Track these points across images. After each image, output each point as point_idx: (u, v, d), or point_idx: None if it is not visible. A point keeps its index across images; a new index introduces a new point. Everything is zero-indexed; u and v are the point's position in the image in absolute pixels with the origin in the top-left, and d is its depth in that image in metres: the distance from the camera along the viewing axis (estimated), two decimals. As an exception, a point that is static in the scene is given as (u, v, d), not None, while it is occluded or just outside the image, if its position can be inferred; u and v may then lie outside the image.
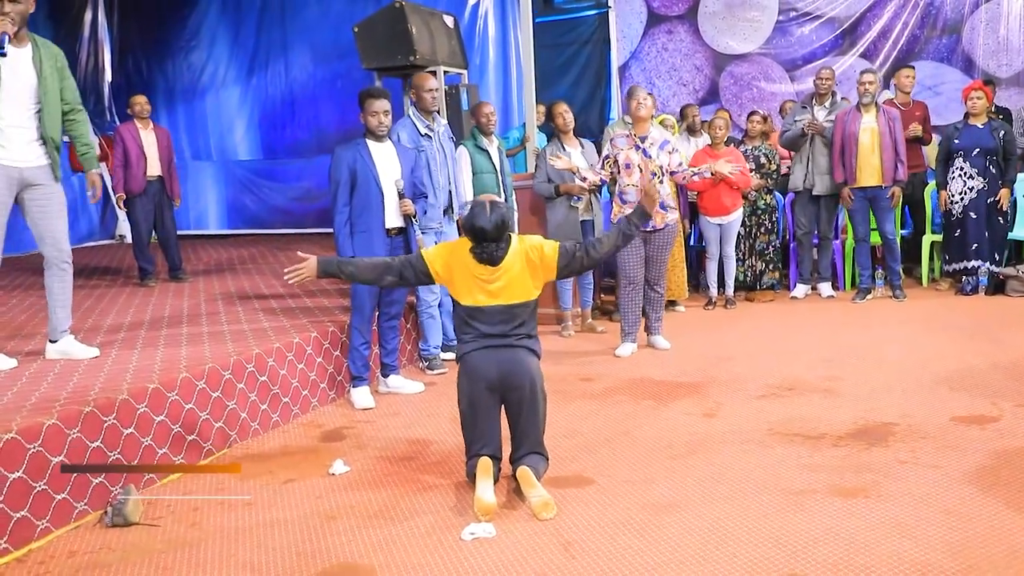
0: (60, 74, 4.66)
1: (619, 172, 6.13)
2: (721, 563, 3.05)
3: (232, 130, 12.65)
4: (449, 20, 8.29)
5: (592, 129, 10.41)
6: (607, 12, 11.03)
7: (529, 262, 3.80)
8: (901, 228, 8.38)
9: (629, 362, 6.04)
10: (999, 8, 9.34)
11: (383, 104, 5.11)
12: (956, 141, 7.63)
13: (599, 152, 7.00)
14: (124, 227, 12.39)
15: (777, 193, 8.19)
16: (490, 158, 6.43)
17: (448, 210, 5.91)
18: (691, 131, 8.90)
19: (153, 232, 8.05)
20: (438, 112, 5.98)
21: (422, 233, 5.66)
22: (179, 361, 4.65)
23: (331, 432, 4.80)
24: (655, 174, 6.05)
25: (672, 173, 6.19)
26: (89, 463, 3.69)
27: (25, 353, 4.98)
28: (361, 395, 5.26)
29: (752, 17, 10.41)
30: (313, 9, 11.80)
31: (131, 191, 7.77)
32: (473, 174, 6.34)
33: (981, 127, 7.58)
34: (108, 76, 12.87)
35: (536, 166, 6.98)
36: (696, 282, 8.44)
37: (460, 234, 4.69)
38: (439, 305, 5.92)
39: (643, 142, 6.06)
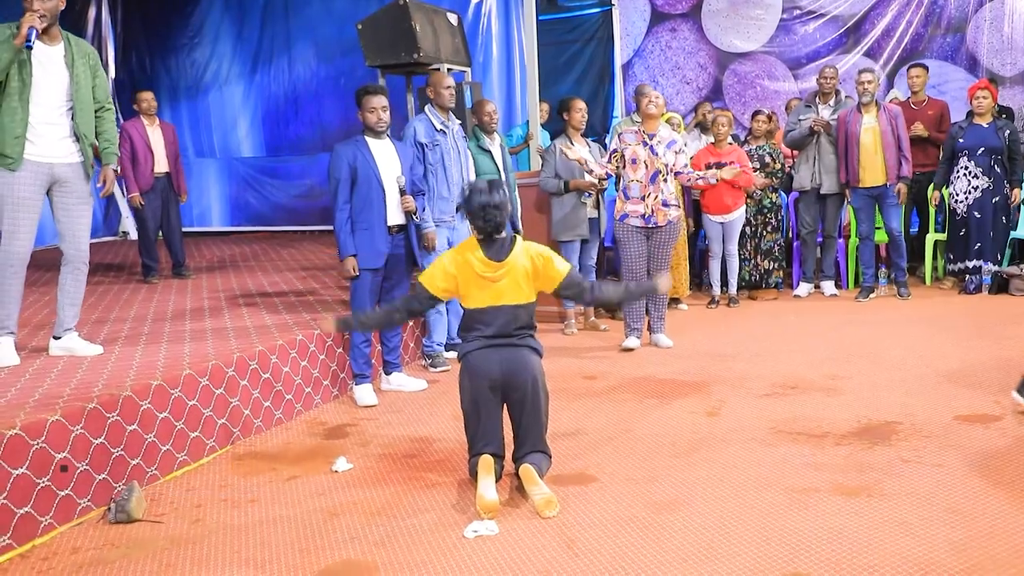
0: (92, 72, 4.69)
1: (624, 167, 6.14)
2: (724, 561, 3.05)
3: (235, 127, 12.67)
4: (453, 18, 8.28)
5: (595, 127, 10.41)
6: (611, 10, 11.03)
7: (533, 267, 3.82)
8: (910, 226, 8.38)
9: (632, 360, 6.03)
10: (1003, 7, 9.32)
11: (381, 100, 5.09)
12: (961, 140, 7.62)
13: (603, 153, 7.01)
14: (127, 223, 12.43)
15: (781, 192, 8.18)
16: (492, 158, 6.43)
17: (461, 207, 5.90)
18: (703, 129, 8.88)
19: (159, 227, 8.05)
20: (453, 111, 5.99)
21: (436, 227, 5.69)
22: (182, 358, 4.65)
23: (334, 429, 4.81)
24: (659, 171, 6.06)
25: (677, 173, 6.20)
26: (91, 460, 3.70)
27: (29, 349, 4.99)
28: (364, 392, 5.26)
29: (756, 15, 10.40)
30: (316, 6, 11.81)
31: (139, 188, 7.77)
32: (476, 174, 6.35)
33: (986, 126, 7.57)
34: (112, 73, 12.89)
35: (543, 162, 6.97)
36: (699, 280, 8.43)
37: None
38: (447, 303, 5.92)
39: (651, 139, 6.08)
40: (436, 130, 5.81)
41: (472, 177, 6.29)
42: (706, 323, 7.15)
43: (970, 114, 7.75)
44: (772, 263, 8.06)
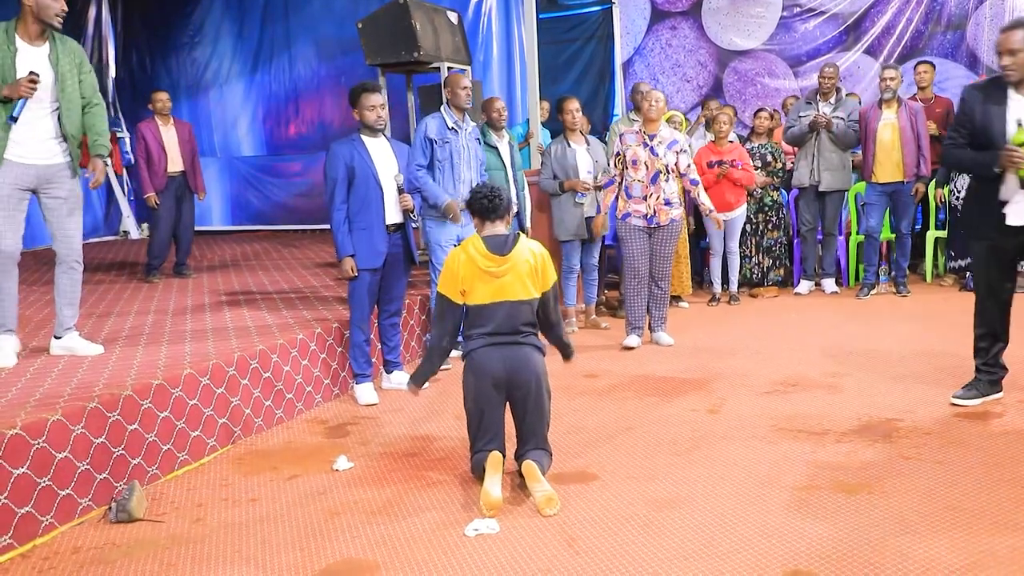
0: (78, 69, 4.66)
1: (627, 168, 6.14)
2: (724, 559, 3.05)
3: (236, 126, 12.67)
4: (453, 16, 8.28)
5: (595, 126, 10.40)
6: (611, 8, 11.02)
7: (533, 266, 3.84)
8: (914, 224, 8.37)
9: (633, 358, 6.03)
10: (1003, 3, 9.31)
11: (379, 98, 5.04)
12: (961, 138, 7.61)
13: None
14: (128, 223, 12.42)
15: (782, 189, 8.18)
16: (499, 154, 6.44)
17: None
18: (710, 126, 8.85)
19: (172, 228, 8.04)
20: (468, 113, 5.99)
21: (442, 223, 5.72)
22: (183, 357, 4.65)
23: (335, 428, 4.81)
24: (660, 172, 6.06)
25: (682, 175, 6.20)
26: (92, 460, 3.70)
27: (30, 349, 4.99)
28: (365, 391, 5.26)
29: (756, 13, 10.39)
30: (317, 5, 11.80)
31: (153, 187, 7.77)
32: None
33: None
34: (112, 72, 12.89)
35: (542, 162, 6.97)
36: (700, 278, 8.43)
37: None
38: None
39: (652, 140, 6.08)
40: (448, 128, 5.82)
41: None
42: (707, 321, 7.15)
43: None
44: (773, 261, 8.06)
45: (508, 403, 3.85)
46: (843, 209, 8.09)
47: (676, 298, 7.61)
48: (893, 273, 7.76)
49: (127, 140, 12.63)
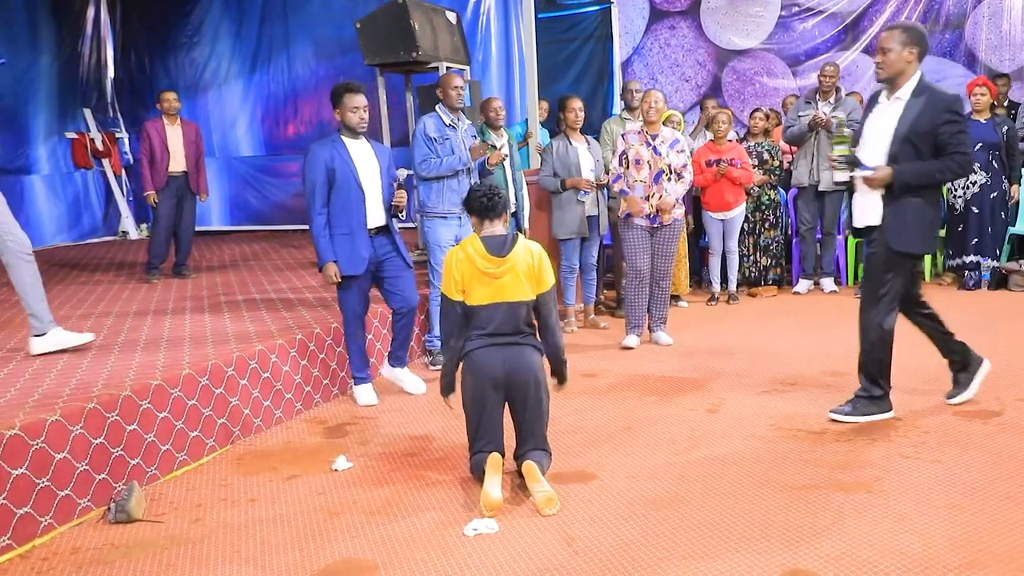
0: None
1: (629, 168, 6.14)
2: (724, 557, 3.05)
3: (234, 126, 12.67)
4: (451, 16, 8.29)
5: (594, 125, 10.39)
6: (609, 8, 11.03)
7: (531, 267, 3.83)
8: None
9: (632, 358, 6.03)
10: (1001, 3, 9.32)
11: (363, 99, 4.90)
12: (959, 136, 7.62)
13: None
14: (127, 223, 12.43)
15: (780, 188, 8.18)
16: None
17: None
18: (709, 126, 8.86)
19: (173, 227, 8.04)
20: (463, 111, 6.00)
21: (444, 219, 5.76)
22: (182, 357, 4.65)
23: (334, 428, 4.81)
24: (662, 171, 6.06)
25: (680, 176, 6.20)
26: (91, 460, 3.70)
27: (26, 352, 4.98)
28: (363, 392, 5.24)
29: (754, 12, 10.40)
30: (315, 5, 11.80)
31: (154, 186, 7.77)
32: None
33: (984, 122, 7.57)
34: (111, 72, 12.89)
35: (542, 160, 6.98)
36: (699, 278, 8.43)
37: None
38: None
39: (654, 140, 6.09)
40: (445, 125, 5.84)
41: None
42: (706, 320, 7.15)
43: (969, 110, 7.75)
44: (771, 260, 8.06)
45: (507, 403, 3.85)
46: (842, 209, 8.09)
47: (675, 297, 7.61)
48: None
49: (126, 140, 12.64)
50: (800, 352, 5.90)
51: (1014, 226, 7.86)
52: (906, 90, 4.16)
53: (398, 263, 5.14)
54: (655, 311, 6.38)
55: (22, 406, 3.72)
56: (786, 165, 8.24)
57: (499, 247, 3.79)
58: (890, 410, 4.47)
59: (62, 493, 3.56)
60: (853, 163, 4.28)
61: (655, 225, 6.12)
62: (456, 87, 5.86)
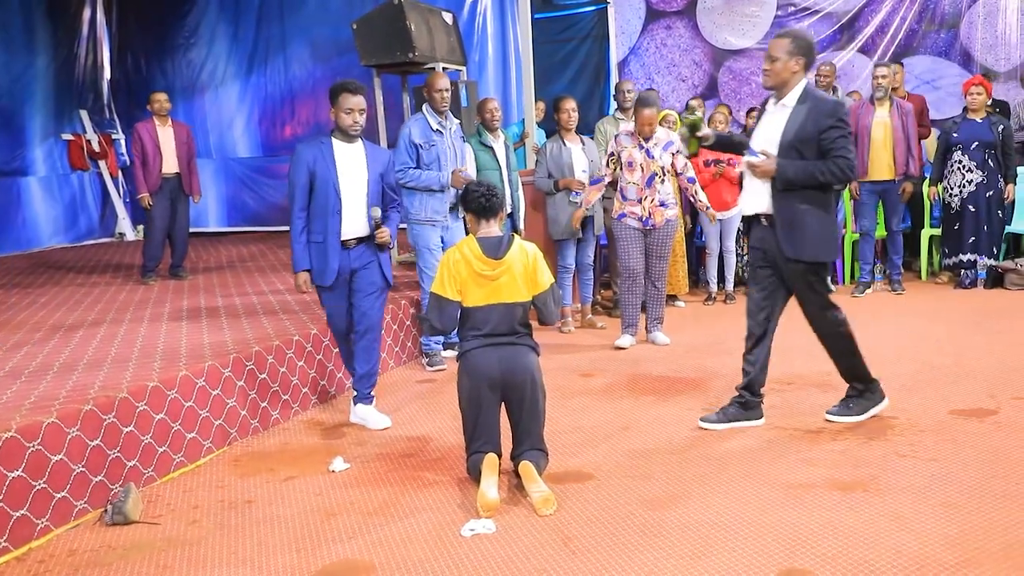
0: None
1: (622, 169, 6.14)
2: (720, 557, 3.06)
3: (231, 127, 12.65)
4: (448, 17, 8.28)
5: (590, 125, 10.39)
6: (606, 8, 11.03)
7: (526, 267, 3.83)
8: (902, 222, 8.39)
9: (629, 357, 6.04)
10: (996, 3, 9.33)
11: (361, 101, 4.59)
12: (955, 135, 7.64)
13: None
14: (124, 225, 12.41)
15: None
16: (494, 154, 6.44)
17: (456, 207, 5.88)
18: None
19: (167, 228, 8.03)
20: (450, 111, 5.98)
21: (432, 226, 5.73)
22: (179, 359, 4.65)
23: (331, 429, 4.80)
24: (655, 174, 6.06)
25: (678, 174, 6.21)
26: (88, 462, 3.70)
27: (23, 354, 4.99)
28: (365, 414, 4.86)
29: (750, 12, 10.41)
30: (312, 6, 11.80)
31: (147, 188, 7.75)
32: (477, 171, 6.36)
33: (980, 121, 7.58)
34: (107, 74, 12.87)
35: (536, 162, 6.98)
36: (696, 277, 8.44)
37: (466, 232, 4.56)
38: None
39: (647, 142, 6.07)
40: (432, 130, 5.80)
41: (472, 173, 6.30)
42: (703, 320, 7.16)
43: (965, 109, 7.76)
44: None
45: (504, 404, 3.85)
46: (838, 208, 8.11)
47: (672, 297, 7.62)
48: (888, 271, 7.78)
49: (122, 142, 12.62)
50: (796, 351, 5.89)
51: (1010, 225, 7.87)
52: (791, 97, 4.21)
53: (372, 277, 4.74)
54: (651, 311, 6.38)
55: (18, 408, 3.72)
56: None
57: (495, 249, 3.80)
58: (884, 398, 4.48)
59: (59, 495, 3.56)
60: (694, 128, 4.40)
61: (648, 227, 6.13)
62: (440, 90, 5.80)
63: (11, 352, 5.01)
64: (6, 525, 3.33)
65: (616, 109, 7.59)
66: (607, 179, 6.24)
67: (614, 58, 11.04)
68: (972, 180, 7.56)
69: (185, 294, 7.12)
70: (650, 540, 3.22)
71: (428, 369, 5.93)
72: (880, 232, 7.88)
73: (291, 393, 5.04)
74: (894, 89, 8.26)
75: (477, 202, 3.85)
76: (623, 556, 3.11)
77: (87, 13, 12.49)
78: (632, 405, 4.92)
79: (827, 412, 4.48)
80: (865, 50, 9.88)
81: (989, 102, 7.99)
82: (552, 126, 7.14)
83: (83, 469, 3.67)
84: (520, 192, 6.70)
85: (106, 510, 3.63)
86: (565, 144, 6.69)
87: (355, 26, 7.69)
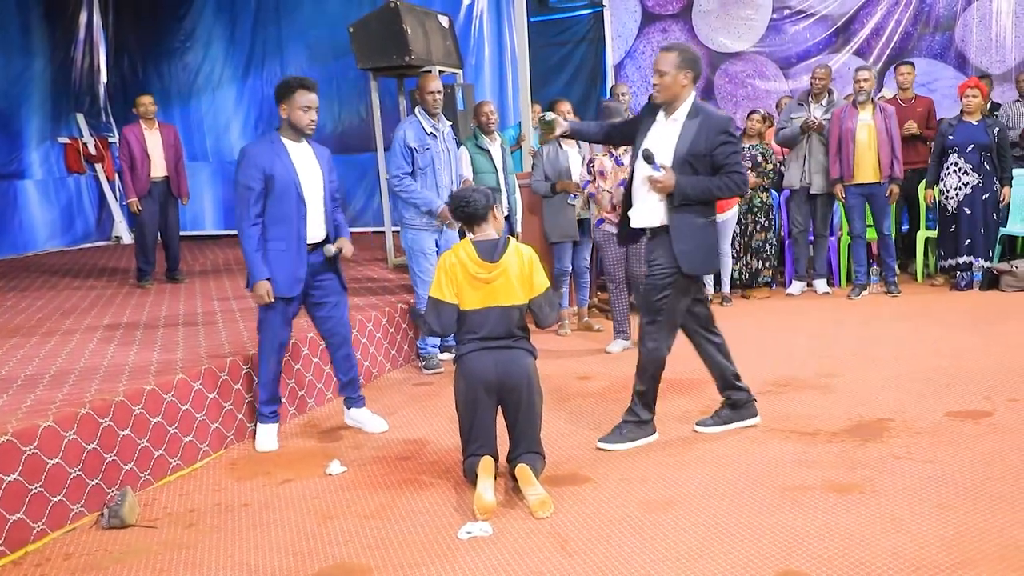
0: None
1: (595, 178, 6.18)
2: (717, 559, 3.06)
3: (228, 131, 12.65)
4: (444, 20, 8.29)
5: (587, 128, 10.42)
6: (602, 11, 11.05)
7: (523, 271, 3.84)
8: (900, 224, 8.41)
9: (625, 360, 6.03)
10: (991, 4, 9.36)
11: (316, 99, 4.38)
12: (950, 137, 7.64)
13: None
14: (120, 228, 12.40)
15: (773, 191, 8.21)
16: (491, 157, 6.45)
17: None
18: None
19: (158, 232, 8.03)
20: (443, 114, 5.97)
21: (424, 230, 5.72)
22: (175, 362, 4.65)
23: (327, 432, 4.80)
24: (625, 180, 6.05)
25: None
26: (84, 466, 3.70)
27: (20, 357, 4.98)
28: (264, 436, 4.54)
29: (746, 15, 10.43)
30: (308, 9, 11.80)
31: (136, 192, 7.74)
32: (474, 174, 6.37)
33: (976, 124, 7.59)
34: (103, 77, 12.87)
35: (533, 164, 6.99)
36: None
37: (460, 236, 4.55)
38: None
39: (616, 150, 6.08)
40: (426, 133, 5.80)
41: (469, 176, 6.31)
42: (699, 322, 7.15)
43: (962, 111, 7.77)
44: (763, 262, 8.07)
45: (500, 406, 3.85)
46: (834, 211, 8.12)
47: (668, 300, 7.61)
48: (883, 273, 7.79)
49: (118, 145, 12.61)
50: (793, 354, 5.91)
51: (1005, 227, 7.89)
52: (682, 111, 4.20)
53: (333, 284, 4.61)
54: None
55: (15, 412, 3.72)
56: (779, 167, 8.25)
57: (491, 252, 3.80)
58: (654, 433, 4.35)
59: (55, 499, 3.55)
60: (550, 127, 4.32)
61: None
62: (432, 92, 5.79)
63: (7, 355, 5.01)
64: (2, 529, 3.32)
65: None
66: (591, 183, 6.26)
67: (610, 61, 11.06)
68: (968, 183, 7.57)
69: (181, 297, 7.11)
70: (647, 542, 3.22)
71: (425, 372, 5.93)
72: (871, 235, 7.89)
73: (288, 396, 5.03)
74: (904, 90, 8.28)
75: (461, 213, 3.88)
76: (619, 558, 3.11)
77: (84, 16, 12.49)
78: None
79: (599, 440, 4.28)
80: (860, 53, 9.91)
81: (987, 105, 8.01)
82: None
83: (79, 473, 3.67)
84: (517, 195, 6.71)
85: (103, 514, 3.63)
86: (562, 147, 6.70)
87: (352, 29, 7.70)
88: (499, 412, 3.87)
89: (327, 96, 11.84)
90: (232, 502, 3.85)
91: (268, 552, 3.32)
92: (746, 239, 8.00)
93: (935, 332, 6.28)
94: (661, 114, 4.27)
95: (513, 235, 6.43)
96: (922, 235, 8.28)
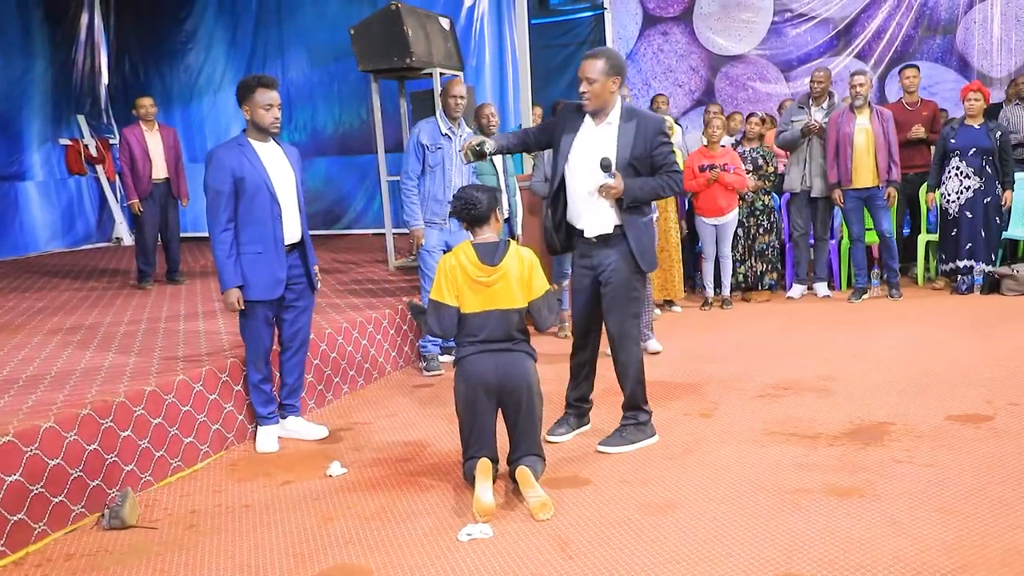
0: None
1: None
2: (717, 562, 3.06)
3: (228, 132, 12.62)
4: (445, 22, 8.29)
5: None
6: (603, 14, 11.06)
7: (522, 274, 3.84)
8: (902, 227, 8.40)
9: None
10: (992, 8, 9.37)
11: (277, 96, 4.29)
12: (952, 141, 7.65)
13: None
14: (121, 229, 12.40)
15: (774, 194, 8.21)
16: (491, 160, 6.44)
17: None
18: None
19: (158, 233, 8.03)
20: (463, 120, 6.01)
21: (427, 227, 5.78)
22: (176, 363, 4.65)
23: (328, 434, 4.80)
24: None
25: None
26: (85, 466, 3.70)
27: (21, 358, 4.98)
28: (265, 437, 4.58)
29: (747, 18, 10.45)
30: (309, 11, 11.81)
31: (137, 194, 7.75)
32: (476, 176, 6.36)
33: (978, 127, 7.60)
34: (104, 79, 12.88)
35: (534, 166, 6.99)
36: (692, 282, 8.45)
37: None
38: None
39: None
40: (441, 134, 5.85)
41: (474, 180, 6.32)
42: (699, 325, 7.16)
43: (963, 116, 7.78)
44: (765, 265, 8.08)
45: (500, 409, 3.85)
46: (834, 214, 8.12)
47: (668, 302, 7.63)
48: (885, 276, 7.79)
49: (119, 147, 12.61)
50: (793, 357, 5.91)
51: (1007, 230, 7.89)
52: (614, 115, 4.21)
53: (304, 289, 4.58)
54: (643, 318, 6.33)
55: (16, 412, 3.72)
56: (780, 169, 8.26)
57: (491, 255, 3.80)
58: (655, 434, 4.40)
59: (56, 499, 3.55)
60: (480, 155, 4.28)
61: None
62: (455, 96, 5.87)
63: (8, 356, 5.01)
64: (4, 529, 3.32)
65: None
66: None
67: (611, 63, 11.04)
68: (970, 186, 7.58)
69: (182, 298, 7.12)
70: (647, 545, 3.22)
71: (425, 374, 5.93)
72: (871, 238, 7.89)
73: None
74: (909, 93, 8.28)
75: (461, 215, 3.87)
76: (620, 561, 3.11)
77: (85, 18, 12.49)
78: (629, 410, 4.92)
79: (599, 444, 4.33)
80: (862, 56, 9.93)
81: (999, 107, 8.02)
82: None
83: (80, 473, 3.67)
84: (517, 197, 6.71)
85: (103, 514, 3.63)
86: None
87: (353, 31, 7.71)
88: (499, 414, 3.87)
89: (327, 99, 11.86)
90: (233, 503, 3.85)
91: (269, 553, 3.32)
92: (750, 242, 8.00)
93: (936, 336, 6.28)
94: (588, 119, 4.27)
95: (513, 237, 6.43)
96: (923, 238, 8.28)
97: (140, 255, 7.93)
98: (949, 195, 7.69)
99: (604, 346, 4.58)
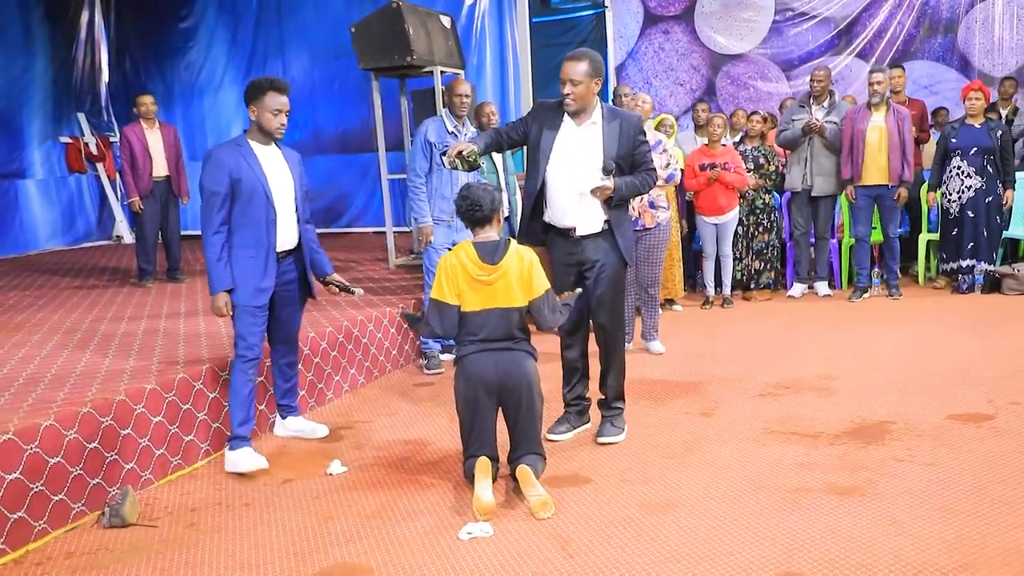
0: None
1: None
2: (718, 561, 3.06)
3: (229, 131, 12.63)
4: (446, 20, 8.29)
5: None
6: (604, 12, 11.05)
7: (523, 273, 3.83)
8: (899, 225, 8.40)
9: (627, 361, 6.02)
10: (993, 7, 9.36)
11: (287, 101, 4.19)
12: (953, 140, 7.65)
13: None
14: (121, 228, 12.41)
15: (775, 193, 8.20)
16: (491, 158, 6.44)
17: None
18: (698, 127, 8.88)
19: (158, 231, 8.03)
20: (467, 118, 6.02)
21: (434, 224, 5.79)
22: (176, 361, 4.65)
23: (329, 432, 4.79)
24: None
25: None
26: (86, 465, 3.70)
27: (21, 356, 4.98)
28: (244, 457, 4.22)
29: (748, 17, 10.43)
30: (310, 10, 11.81)
31: (137, 192, 7.75)
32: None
33: (979, 127, 7.59)
34: (105, 77, 12.88)
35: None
36: (693, 281, 8.45)
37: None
38: None
39: None
40: (447, 132, 5.86)
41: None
42: (700, 324, 7.16)
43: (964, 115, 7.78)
44: (765, 264, 8.07)
45: (501, 408, 3.85)
46: (835, 213, 8.12)
47: (669, 301, 7.62)
48: (885, 276, 7.79)
49: (119, 145, 12.61)
50: (794, 355, 5.91)
51: (1008, 230, 7.88)
52: (596, 115, 4.26)
53: (294, 295, 4.49)
54: (646, 320, 6.33)
55: (16, 410, 3.72)
56: (781, 169, 8.26)
57: (491, 254, 3.80)
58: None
59: (56, 497, 3.55)
60: (474, 166, 4.27)
61: (638, 228, 6.09)
62: (460, 94, 5.89)
63: (8, 354, 5.01)
64: (4, 527, 3.32)
65: None
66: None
67: (612, 62, 11.05)
68: (971, 186, 7.57)
69: (182, 296, 7.11)
70: (647, 544, 3.22)
71: (426, 372, 5.94)
72: (876, 237, 7.89)
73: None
74: (896, 93, 8.27)
75: (465, 215, 3.87)
76: (620, 560, 3.11)
77: (85, 16, 12.50)
78: (630, 409, 4.90)
79: (598, 436, 4.41)
80: (863, 55, 9.91)
81: (1009, 108, 8.01)
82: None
83: (81, 471, 3.66)
84: (517, 196, 6.69)
85: (104, 513, 3.63)
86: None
87: (353, 29, 7.70)
88: (500, 413, 3.87)
89: (328, 97, 11.86)
90: (233, 501, 3.85)
91: (269, 551, 3.32)
92: (748, 241, 8.00)
93: (937, 335, 6.28)
94: (567, 119, 4.28)
95: (513, 236, 6.42)
96: (924, 238, 8.28)
97: (140, 253, 7.93)
98: (950, 195, 7.69)
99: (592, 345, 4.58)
